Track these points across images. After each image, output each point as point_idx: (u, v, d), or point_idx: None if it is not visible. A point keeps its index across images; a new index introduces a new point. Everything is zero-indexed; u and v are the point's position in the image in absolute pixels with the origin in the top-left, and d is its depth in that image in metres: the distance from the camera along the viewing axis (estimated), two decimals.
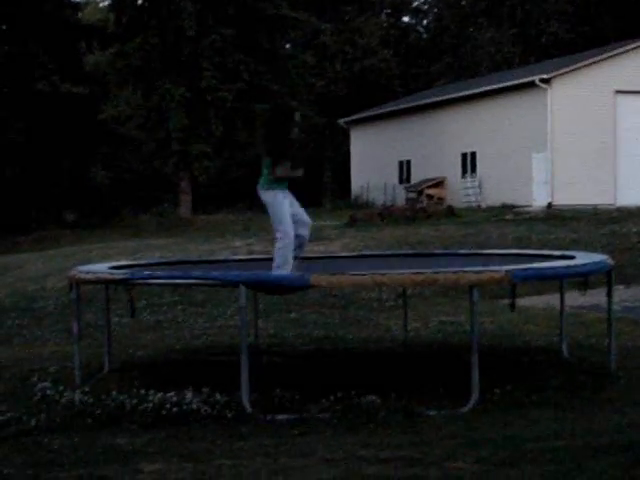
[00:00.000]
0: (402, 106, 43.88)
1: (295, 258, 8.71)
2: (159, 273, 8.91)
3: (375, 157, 44.06)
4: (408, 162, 42.28)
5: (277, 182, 8.70)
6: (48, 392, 8.06)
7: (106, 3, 53.26)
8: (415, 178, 41.07)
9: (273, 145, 8.72)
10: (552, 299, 13.82)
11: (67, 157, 39.67)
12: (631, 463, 5.77)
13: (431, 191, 38.42)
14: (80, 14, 46.63)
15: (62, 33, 38.35)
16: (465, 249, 17.20)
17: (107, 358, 9.81)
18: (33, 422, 7.20)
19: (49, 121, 37.62)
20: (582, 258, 9.03)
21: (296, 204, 8.86)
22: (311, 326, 13.17)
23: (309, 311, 14.47)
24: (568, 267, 8.40)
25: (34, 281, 19.42)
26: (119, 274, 8.48)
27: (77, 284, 8.98)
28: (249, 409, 7.39)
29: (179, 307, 15.27)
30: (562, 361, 9.67)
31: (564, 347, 9.96)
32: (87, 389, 8.21)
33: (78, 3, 45.58)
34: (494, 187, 36.00)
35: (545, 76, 33.24)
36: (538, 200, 33.40)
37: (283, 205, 8.67)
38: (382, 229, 24.93)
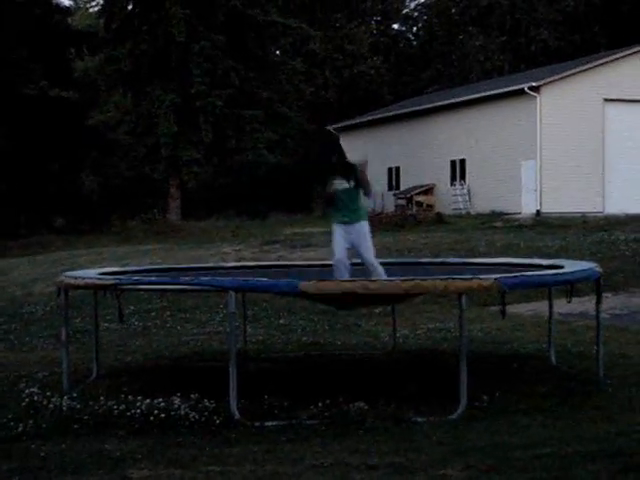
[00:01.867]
0: (391, 113, 43.94)
1: None
2: (148, 279, 8.90)
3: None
4: (397, 169, 42.33)
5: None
6: (36, 398, 8.02)
7: (96, 9, 53.19)
8: (404, 185, 41.12)
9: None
10: (541, 306, 13.85)
11: (56, 162, 39.55)
12: (619, 470, 5.78)
13: (420, 198, 38.47)
14: (70, 19, 46.56)
15: (51, 38, 38.26)
16: (454, 256, 17.23)
17: (95, 364, 9.79)
18: (21, 428, 7.17)
19: (38, 126, 37.50)
20: (570, 266, 9.06)
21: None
22: (300, 332, 13.17)
23: (298, 317, 14.47)
24: (556, 275, 8.43)
25: (22, 286, 19.37)
26: (108, 279, 8.46)
27: (65, 289, 8.96)
28: (237, 415, 7.38)
29: (168, 313, 15.25)
30: (550, 368, 9.69)
31: (552, 354, 9.98)
32: (75, 395, 8.19)
33: (68, 8, 45.50)
34: (483, 194, 36.07)
35: (534, 84, 33.34)
36: (527, 207, 33.48)
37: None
38: (371, 236, 24.91)
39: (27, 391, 8.32)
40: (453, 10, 58.02)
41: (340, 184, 9.78)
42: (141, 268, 12.46)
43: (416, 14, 62.23)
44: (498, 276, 7.77)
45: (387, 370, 10.01)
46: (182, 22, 36.14)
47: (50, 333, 13.67)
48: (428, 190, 38.96)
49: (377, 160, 43.15)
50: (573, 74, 34.15)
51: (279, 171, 45.88)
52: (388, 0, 58.66)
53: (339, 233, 9.83)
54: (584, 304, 13.77)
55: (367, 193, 9.95)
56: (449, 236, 23.94)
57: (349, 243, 9.81)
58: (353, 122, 46.41)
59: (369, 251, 9.86)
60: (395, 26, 61.68)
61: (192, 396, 7.63)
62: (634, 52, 34.62)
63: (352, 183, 9.77)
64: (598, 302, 8.97)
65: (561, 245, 20.85)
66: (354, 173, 9.77)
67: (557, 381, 8.82)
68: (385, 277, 9.25)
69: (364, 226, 9.93)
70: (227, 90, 37.08)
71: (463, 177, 37.68)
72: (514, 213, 32.79)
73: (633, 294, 16.35)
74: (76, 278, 8.88)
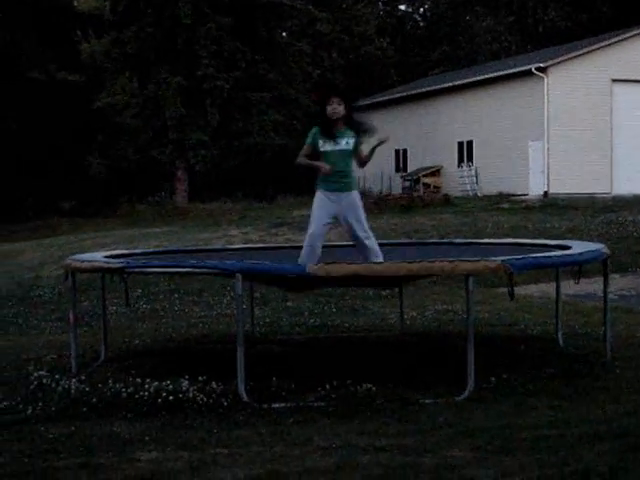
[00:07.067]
0: (398, 95, 43.85)
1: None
2: (155, 262, 8.90)
3: None
4: (404, 151, 42.26)
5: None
6: (44, 381, 8.04)
7: None
8: (411, 167, 41.07)
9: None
10: (548, 287, 13.85)
11: (63, 146, 39.61)
12: (625, 450, 5.78)
13: (427, 180, 38.44)
14: (75, 2, 46.49)
15: (57, 21, 38.24)
16: (461, 238, 17.22)
17: (103, 347, 9.81)
18: (29, 411, 7.19)
19: (45, 110, 37.54)
20: (578, 247, 9.04)
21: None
22: (307, 315, 13.19)
23: (305, 300, 14.48)
24: (564, 256, 8.41)
25: (30, 270, 19.41)
26: (115, 263, 8.46)
27: (73, 273, 8.96)
28: (245, 398, 7.39)
29: (175, 296, 15.28)
30: (558, 350, 9.68)
31: (559, 336, 9.98)
32: (83, 378, 8.20)
33: None
34: (490, 176, 36.01)
35: (542, 65, 33.23)
36: (534, 189, 33.42)
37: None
38: (378, 218, 24.93)
39: (36, 374, 8.34)
40: None
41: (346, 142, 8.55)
42: (148, 250, 12.47)
43: None
44: (505, 258, 7.75)
45: (394, 352, 10.02)
46: (188, 4, 36.07)
47: (58, 316, 13.71)
48: (435, 172, 38.92)
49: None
50: (580, 54, 34.03)
51: (286, 153, 45.76)
52: None
53: (325, 203, 8.47)
54: (592, 285, 13.77)
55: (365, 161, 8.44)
56: (456, 218, 23.92)
57: (331, 217, 8.44)
58: (360, 104, 46.25)
59: (364, 221, 8.49)
60: (402, 7, 61.46)
61: (200, 378, 7.65)
62: None
63: (352, 141, 8.51)
64: (605, 283, 8.96)
65: (568, 226, 20.83)
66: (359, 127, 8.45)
67: (564, 363, 8.82)
68: (380, 255, 8.46)
69: (357, 196, 8.54)
70: (234, 72, 37.02)
71: (470, 159, 37.62)
72: (521, 194, 32.75)
73: None
74: (83, 261, 8.88)
